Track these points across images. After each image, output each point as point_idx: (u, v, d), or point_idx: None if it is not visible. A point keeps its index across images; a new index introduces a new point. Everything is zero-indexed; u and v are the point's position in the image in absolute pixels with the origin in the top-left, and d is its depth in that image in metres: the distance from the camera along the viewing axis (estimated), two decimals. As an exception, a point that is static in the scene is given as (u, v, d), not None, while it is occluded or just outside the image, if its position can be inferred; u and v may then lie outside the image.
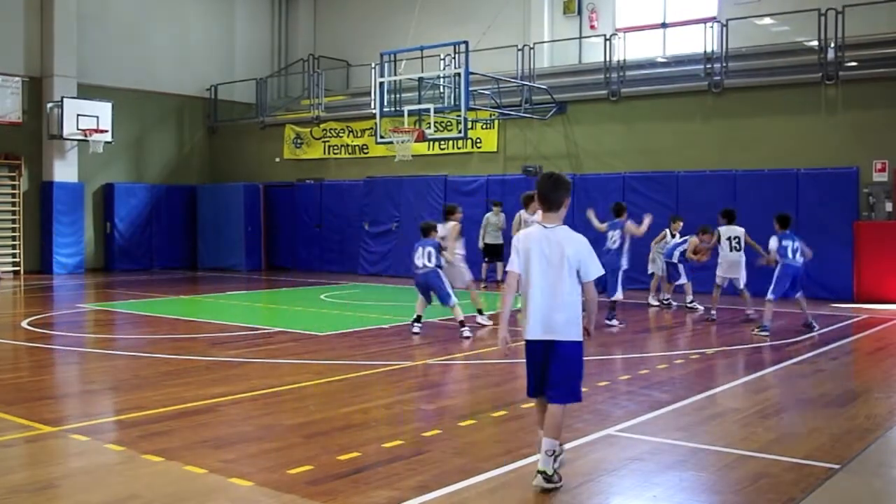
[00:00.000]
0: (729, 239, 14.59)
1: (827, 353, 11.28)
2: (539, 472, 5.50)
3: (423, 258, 12.70)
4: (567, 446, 6.29)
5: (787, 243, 12.88)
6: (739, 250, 14.55)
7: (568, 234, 5.69)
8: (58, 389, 9.27)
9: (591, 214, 14.45)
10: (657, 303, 16.66)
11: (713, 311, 14.43)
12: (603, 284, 12.88)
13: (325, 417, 7.53)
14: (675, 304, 16.45)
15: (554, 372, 5.64)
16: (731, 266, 14.61)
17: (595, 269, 5.69)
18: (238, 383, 9.04)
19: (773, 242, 13.01)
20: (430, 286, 12.74)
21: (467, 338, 12.23)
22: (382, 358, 10.78)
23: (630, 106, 20.71)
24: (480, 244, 20.41)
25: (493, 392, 8.73)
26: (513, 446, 6.55)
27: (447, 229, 13.62)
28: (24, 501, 5.35)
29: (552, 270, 5.62)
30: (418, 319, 12.87)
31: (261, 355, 11.00)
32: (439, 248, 12.80)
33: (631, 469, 6.04)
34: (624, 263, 13.91)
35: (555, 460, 5.59)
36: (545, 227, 5.71)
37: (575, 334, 5.65)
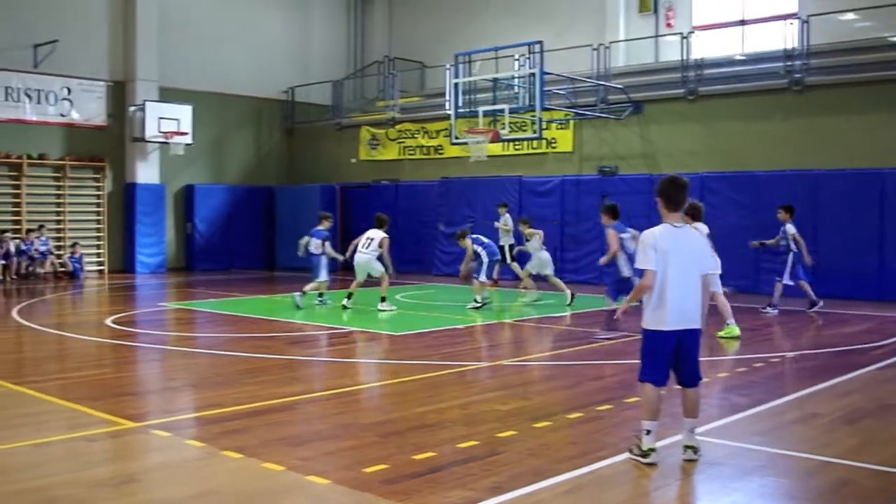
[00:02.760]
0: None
1: (913, 357, 10.96)
2: (688, 447, 6.21)
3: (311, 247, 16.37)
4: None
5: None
6: None
7: (692, 230, 6.37)
8: (140, 386, 9.48)
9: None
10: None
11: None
12: None
13: (400, 417, 7.56)
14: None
15: (693, 358, 6.27)
16: None
17: (711, 262, 6.40)
18: (315, 382, 9.13)
19: (793, 229, 15.04)
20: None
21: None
22: (457, 358, 10.79)
23: (708, 105, 20.40)
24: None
25: (568, 393, 8.66)
26: (588, 448, 6.50)
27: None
28: (107, 495, 5.48)
29: (686, 265, 6.18)
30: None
31: (337, 354, 11.09)
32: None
33: (709, 474, 5.95)
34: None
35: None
36: (675, 226, 6.22)
37: (700, 322, 6.29)
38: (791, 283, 15.09)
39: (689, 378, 6.29)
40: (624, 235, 12.54)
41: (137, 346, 12.04)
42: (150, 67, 24.95)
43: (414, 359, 10.68)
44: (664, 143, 21.00)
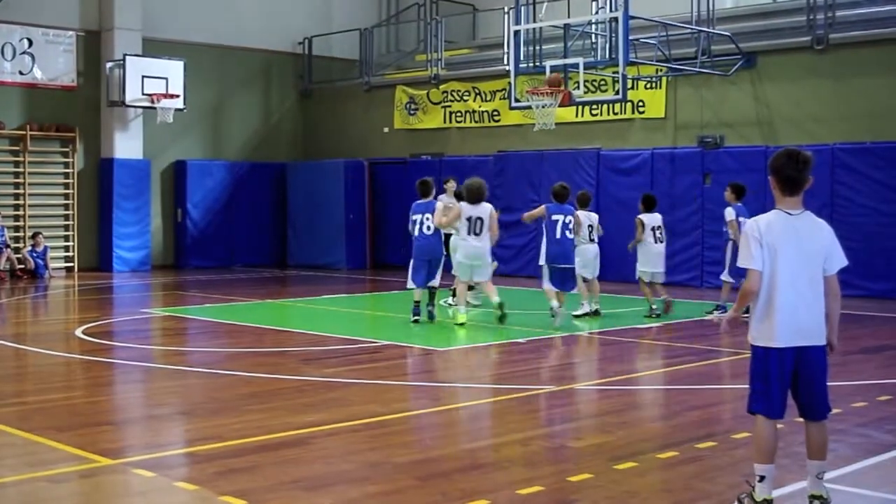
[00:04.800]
0: (653, 229, 15.85)
1: None
2: (815, 497, 6.08)
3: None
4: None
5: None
6: (663, 241, 16.01)
7: (815, 220, 6.18)
8: (118, 414, 9.55)
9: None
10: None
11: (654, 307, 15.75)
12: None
13: (444, 454, 7.55)
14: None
15: (817, 383, 6.13)
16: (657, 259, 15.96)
17: (841, 260, 6.16)
18: (336, 410, 9.14)
19: (732, 214, 15.36)
20: None
21: None
22: (518, 380, 10.75)
23: (842, 56, 20.12)
24: None
25: (659, 427, 8.62)
26: (684, 497, 6.46)
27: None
28: (77, 550, 5.53)
29: (805, 265, 6.06)
30: None
31: (365, 375, 11.10)
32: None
33: (843, 531, 5.89)
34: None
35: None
36: (790, 213, 6.11)
37: (824, 337, 6.15)
38: (730, 280, 15.40)
39: (813, 409, 6.15)
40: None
41: (115, 363, 12.14)
42: (131, 13, 25.09)
43: (462, 381, 10.66)
44: (784, 105, 20.78)
